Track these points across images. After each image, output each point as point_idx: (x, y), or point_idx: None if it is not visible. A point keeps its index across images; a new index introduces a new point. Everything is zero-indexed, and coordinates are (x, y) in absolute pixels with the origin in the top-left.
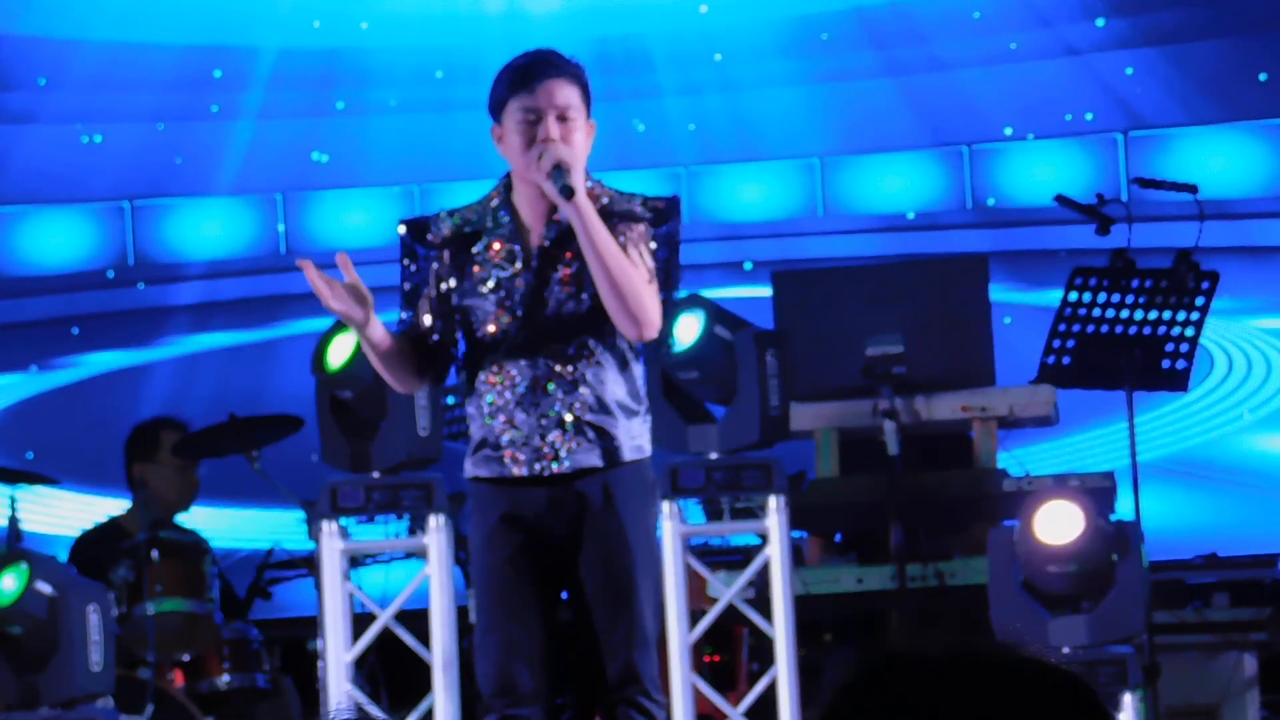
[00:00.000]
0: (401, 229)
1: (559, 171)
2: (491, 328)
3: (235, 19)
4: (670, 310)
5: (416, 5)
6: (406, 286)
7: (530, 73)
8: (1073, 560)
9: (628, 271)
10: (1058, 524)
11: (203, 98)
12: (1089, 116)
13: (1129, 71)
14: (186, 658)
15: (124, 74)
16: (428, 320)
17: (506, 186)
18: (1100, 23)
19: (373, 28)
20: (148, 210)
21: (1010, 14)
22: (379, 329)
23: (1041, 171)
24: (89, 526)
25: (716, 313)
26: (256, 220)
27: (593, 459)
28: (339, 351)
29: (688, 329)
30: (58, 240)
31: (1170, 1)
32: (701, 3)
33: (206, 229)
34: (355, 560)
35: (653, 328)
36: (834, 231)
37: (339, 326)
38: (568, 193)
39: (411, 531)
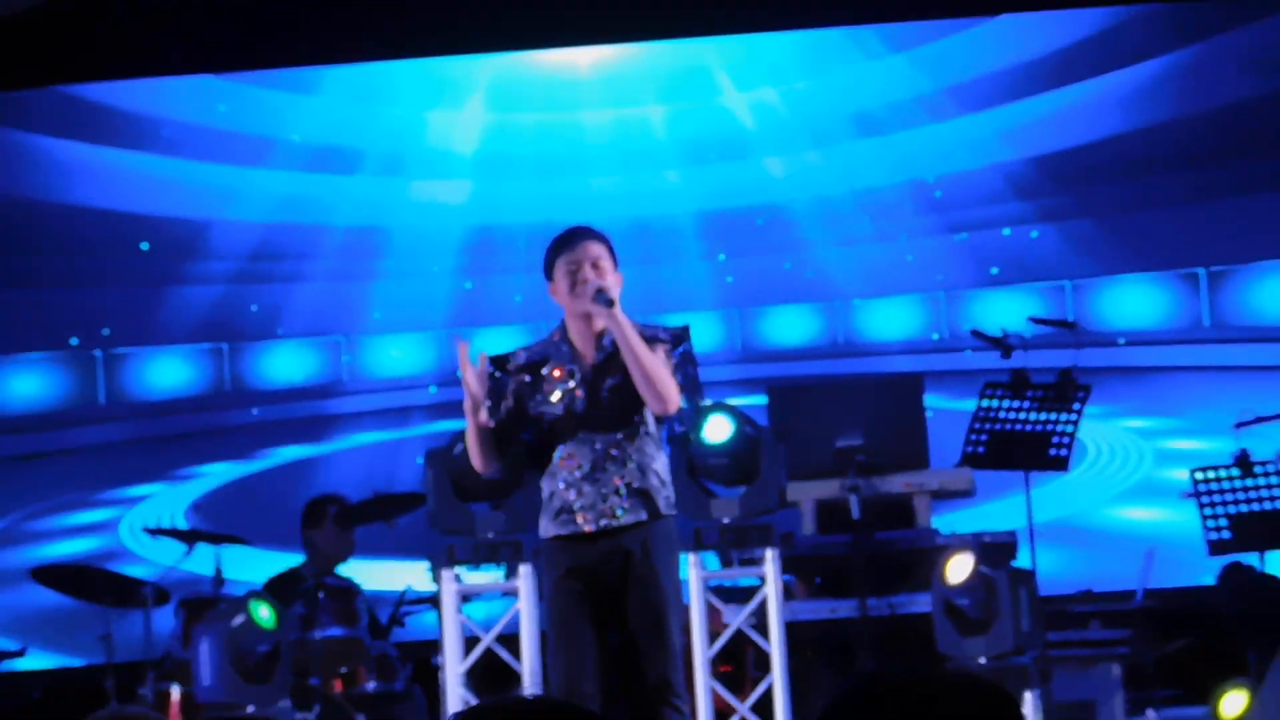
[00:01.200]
0: (490, 362)
1: (600, 294)
2: (561, 427)
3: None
4: (700, 412)
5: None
6: (490, 400)
7: (569, 238)
8: (965, 596)
9: (654, 361)
10: (960, 570)
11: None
12: (994, 271)
13: (1034, 235)
14: (344, 670)
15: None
16: (506, 420)
17: (563, 327)
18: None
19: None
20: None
21: (936, 202)
22: (484, 411)
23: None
24: (273, 574)
25: (741, 416)
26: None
27: (641, 514)
28: None
29: (721, 427)
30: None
31: (1061, 190)
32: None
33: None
34: (466, 597)
35: (674, 404)
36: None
37: None
38: (608, 303)
39: (507, 576)
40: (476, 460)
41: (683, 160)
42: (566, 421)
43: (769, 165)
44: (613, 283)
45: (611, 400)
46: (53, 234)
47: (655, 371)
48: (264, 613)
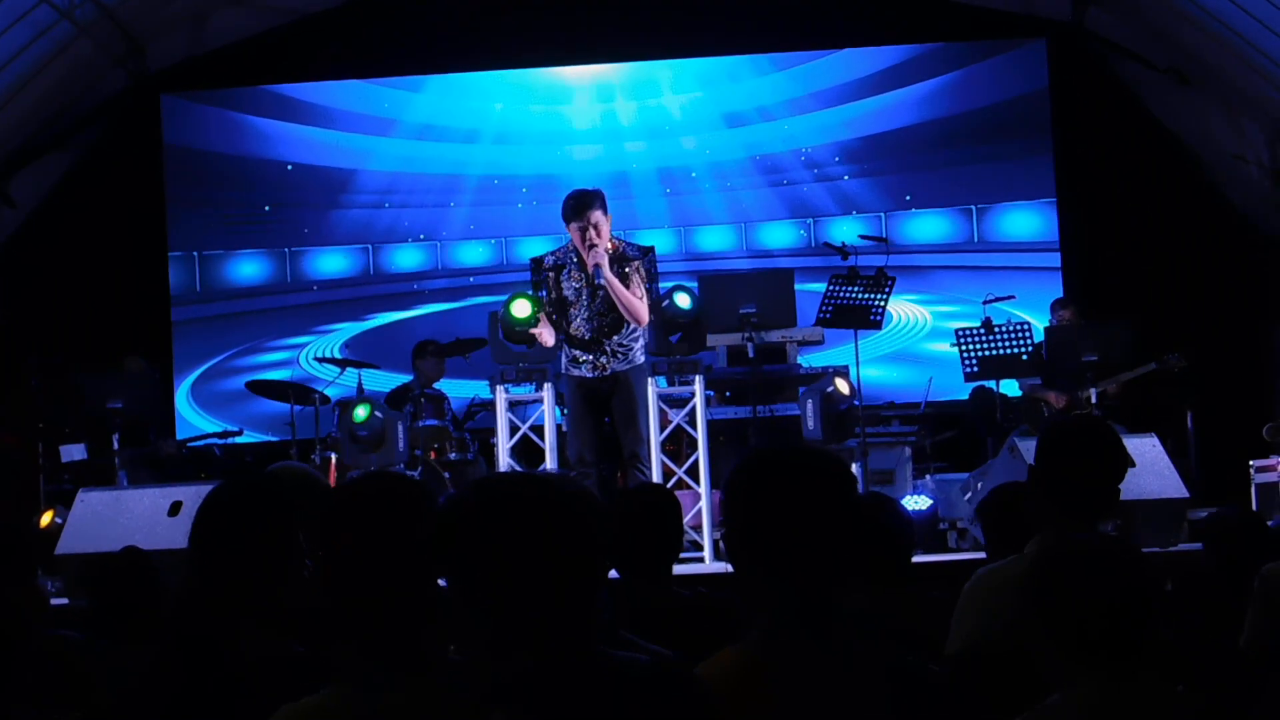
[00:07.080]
0: (532, 262)
1: (598, 268)
2: (573, 311)
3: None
4: (658, 297)
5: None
6: (537, 289)
7: (578, 209)
8: (824, 404)
9: (631, 299)
10: (845, 386)
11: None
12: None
13: (865, 183)
14: (436, 446)
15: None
16: (551, 304)
17: (573, 244)
18: (848, 176)
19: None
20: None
21: (805, 159)
22: (546, 331)
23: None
24: (394, 387)
25: (693, 292)
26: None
27: (621, 365)
28: (521, 309)
29: (685, 298)
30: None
31: (879, 156)
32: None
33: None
34: (513, 403)
35: (643, 322)
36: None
37: (515, 295)
38: (601, 277)
39: (536, 390)
40: (547, 341)
41: (640, 136)
42: (577, 304)
43: (711, 138)
44: (605, 231)
45: (605, 297)
46: (258, 178)
47: (631, 304)
48: (361, 412)
